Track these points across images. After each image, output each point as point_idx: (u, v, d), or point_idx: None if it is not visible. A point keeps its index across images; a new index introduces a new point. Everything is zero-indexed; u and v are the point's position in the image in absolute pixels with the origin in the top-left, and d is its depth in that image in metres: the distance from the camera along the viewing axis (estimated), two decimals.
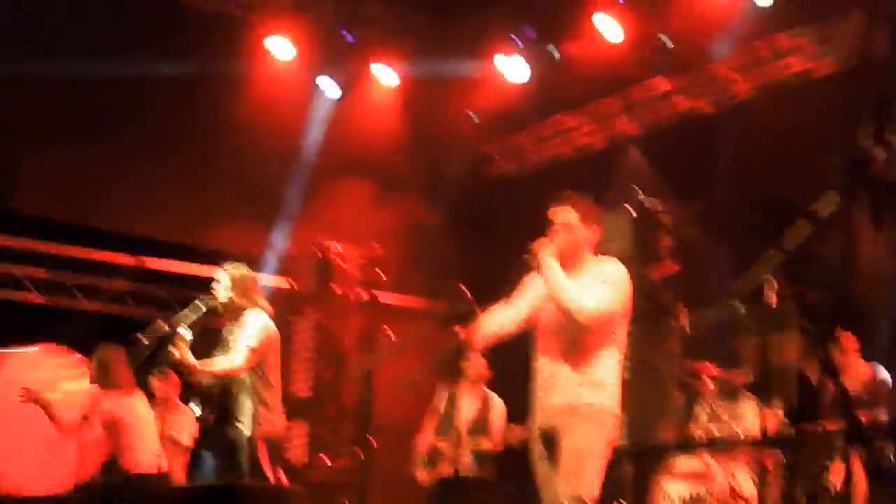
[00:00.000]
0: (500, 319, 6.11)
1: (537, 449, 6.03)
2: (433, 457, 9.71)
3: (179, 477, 9.33)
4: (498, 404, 9.78)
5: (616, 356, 5.97)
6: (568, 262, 5.98)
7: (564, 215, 6.01)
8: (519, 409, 6.25)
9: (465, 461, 9.55)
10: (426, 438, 9.79)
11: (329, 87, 12.78)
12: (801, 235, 3.84)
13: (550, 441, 5.93)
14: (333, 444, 12.17)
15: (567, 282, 5.87)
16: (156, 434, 8.90)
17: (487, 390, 9.85)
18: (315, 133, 12.58)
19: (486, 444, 9.60)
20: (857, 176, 3.41)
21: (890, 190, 3.44)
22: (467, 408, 9.65)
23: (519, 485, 10.85)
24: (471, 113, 13.14)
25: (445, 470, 9.57)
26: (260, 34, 12.16)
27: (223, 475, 7.65)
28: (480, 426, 9.64)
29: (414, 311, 12.36)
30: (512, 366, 6.76)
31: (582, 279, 5.94)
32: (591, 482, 5.79)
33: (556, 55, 12.21)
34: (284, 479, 7.99)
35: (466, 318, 6.35)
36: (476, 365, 9.73)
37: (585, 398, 5.84)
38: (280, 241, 12.37)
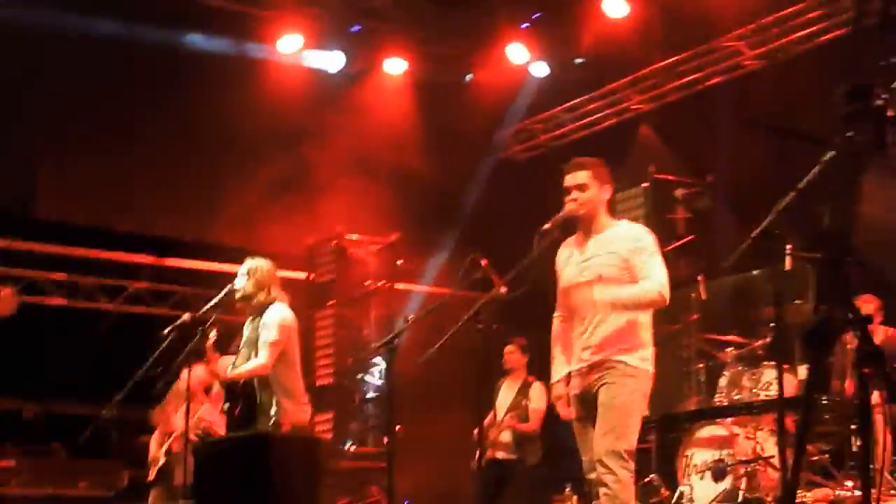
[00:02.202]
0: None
1: (576, 410, 6.10)
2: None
3: None
4: (536, 388, 10.00)
5: (647, 315, 6.06)
6: (587, 224, 6.09)
7: (576, 178, 6.09)
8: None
9: (504, 444, 9.90)
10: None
11: (339, 75, 12.93)
12: (808, 176, 3.87)
13: (589, 402, 5.99)
14: (358, 430, 12.26)
15: (628, 290, 5.91)
16: None
17: (529, 378, 10.14)
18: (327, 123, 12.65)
19: (521, 427, 9.87)
20: (861, 106, 3.45)
21: (891, 121, 3.49)
22: (505, 394, 10.11)
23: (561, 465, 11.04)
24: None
25: (487, 454, 9.85)
26: (272, 30, 12.31)
27: None
28: (518, 410, 9.95)
29: (432, 295, 12.42)
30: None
31: (601, 239, 6.04)
32: (630, 436, 5.87)
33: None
34: None
35: (485, 288, 6.38)
36: (510, 357, 10.15)
37: (621, 357, 5.92)
38: (298, 234, 12.41)
